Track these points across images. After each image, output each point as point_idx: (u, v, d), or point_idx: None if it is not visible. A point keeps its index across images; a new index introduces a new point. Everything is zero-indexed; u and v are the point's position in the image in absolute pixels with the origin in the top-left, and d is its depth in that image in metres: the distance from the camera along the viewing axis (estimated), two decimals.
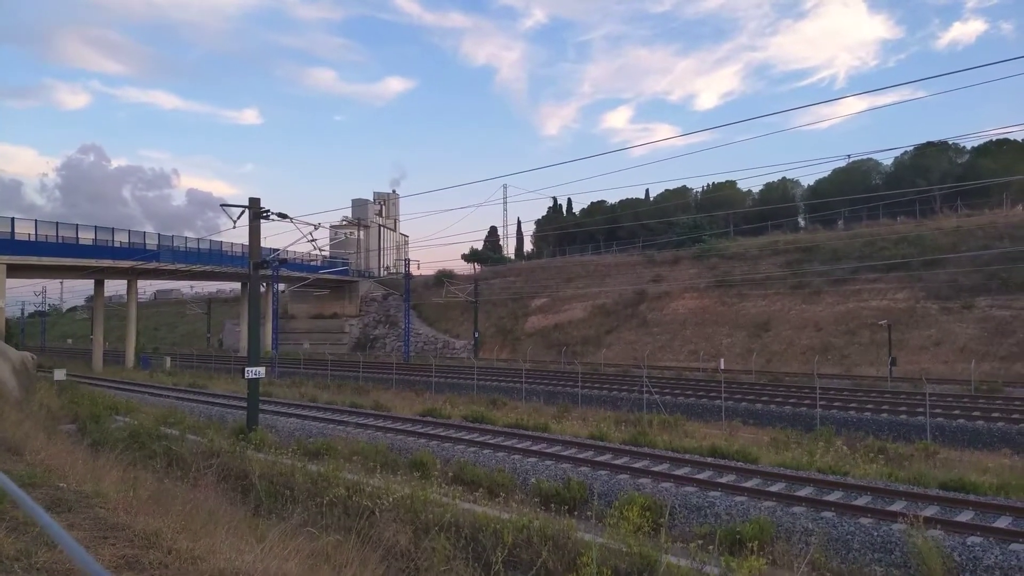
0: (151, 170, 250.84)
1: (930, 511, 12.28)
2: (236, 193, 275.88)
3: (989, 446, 20.93)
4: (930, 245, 45.36)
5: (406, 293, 62.82)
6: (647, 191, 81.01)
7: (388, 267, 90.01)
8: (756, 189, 71.17)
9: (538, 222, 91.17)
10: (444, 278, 69.20)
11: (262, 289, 50.16)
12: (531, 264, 75.47)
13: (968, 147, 59.02)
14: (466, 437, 20.59)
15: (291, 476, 12.93)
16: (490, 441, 19.90)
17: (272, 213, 21.75)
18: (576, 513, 13.21)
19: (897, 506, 12.70)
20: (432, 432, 21.67)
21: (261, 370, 21.46)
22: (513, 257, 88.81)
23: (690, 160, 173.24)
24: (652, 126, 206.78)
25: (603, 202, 79.21)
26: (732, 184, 69.22)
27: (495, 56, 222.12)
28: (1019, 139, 55.99)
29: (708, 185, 73.12)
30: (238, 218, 21.98)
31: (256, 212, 21.43)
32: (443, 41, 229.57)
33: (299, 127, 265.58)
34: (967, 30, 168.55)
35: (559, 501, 13.62)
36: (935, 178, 54.53)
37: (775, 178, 69.62)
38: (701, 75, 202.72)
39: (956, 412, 24.36)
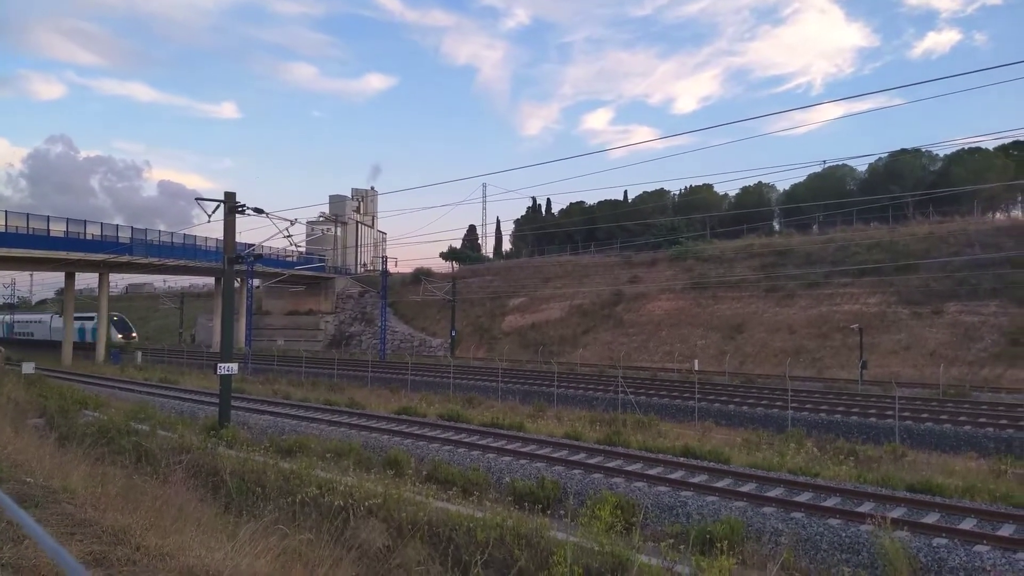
0: (122, 161, 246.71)
1: (897, 513, 12.49)
2: (212, 187, 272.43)
3: (956, 449, 21.32)
4: (902, 251, 46.11)
5: (383, 290, 62.50)
6: (625, 192, 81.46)
7: (365, 264, 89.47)
8: (732, 193, 71.84)
9: (517, 221, 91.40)
10: (422, 276, 68.93)
11: (236, 284, 49.59)
12: (509, 263, 75.49)
13: (941, 155, 60.14)
14: (441, 435, 20.56)
15: (263, 473, 12.81)
16: (465, 440, 19.90)
17: (248, 208, 21.55)
18: (550, 512, 13.25)
19: (865, 507, 12.90)
20: (407, 430, 21.61)
21: (234, 366, 21.24)
22: (492, 256, 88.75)
23: (668, 163, 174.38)
24: (631, 128, 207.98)
25: (582, 203, 79.47)
26: (709, 187, 69.82)
27: (477, 55, 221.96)
28: (990, 148, 57.12)
29: (686, 188, 73.69)
30: (213, 212, 21.75)
31: (231, 207, 21.21)
32: (425, 39, 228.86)
33: (277, 122, 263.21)
34: (941, 40, 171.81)
35: (533, 500, 13.65)
36: (908, 185, 55.43)
37: (751, 182, 70.41)
38: (681, 79, 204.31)
39: (924, 415, 24.80)
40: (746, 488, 14.40)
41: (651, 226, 66.55)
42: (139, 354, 57.56)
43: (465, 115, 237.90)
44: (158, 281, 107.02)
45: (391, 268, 67.65)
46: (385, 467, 16.09)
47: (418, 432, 21.23)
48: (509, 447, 18.74)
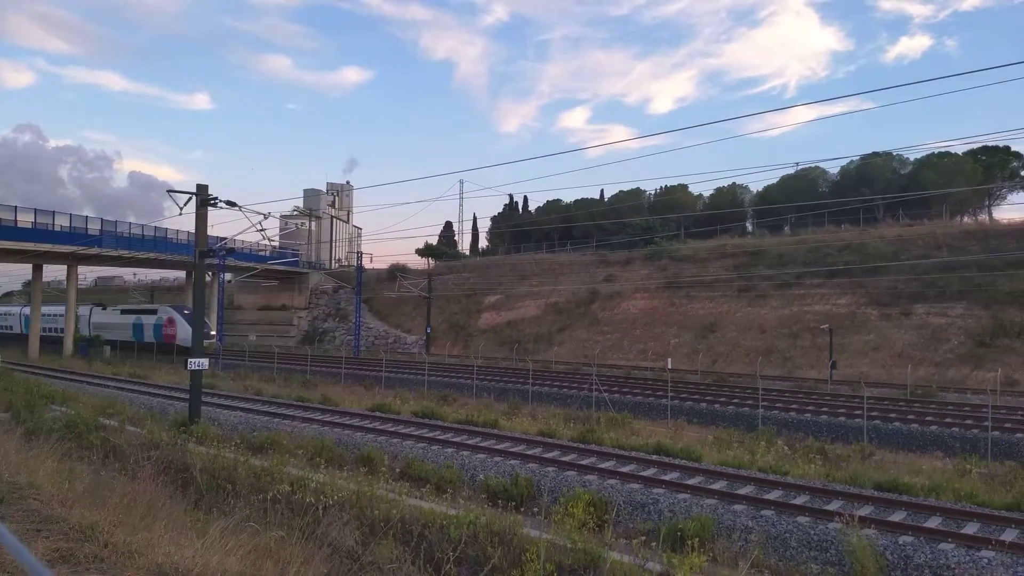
0: (92, 151, 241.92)
1: (865, 511, 12.69)
2: (184, 179, 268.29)
3: (922, 448, 21.72)
4: (872, 253, 46.91)
5: (358, 286, 62.10)
6: (602, 191, 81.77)
7: (340, 260, 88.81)
8: (707, 193, 72.51)
9: (494, 219, 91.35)
10: (397, 272, 68.61)
11: (208, 278, 48.97)
12: (486, 261, 75.45)
13: (911, 159, 61.19)
14: (415, 433, 20.53)
15: (234, 470, 12.69)
16: (439, 437, 19.87)
17: (220, 200, 21.29)
18: (523, 509, 13.29)
19: (834, 505, 13.11)
20: (381, 427, 21.53)
21: (204, 361, 21.00)
22: (468, 253, 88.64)
23: (644, 162, 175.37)
24: (608, 127, 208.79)
25: (559, 201, 79.72)
26: (684, 187, 70.38)
27: (455, 51, 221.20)
28: (959, 152, 58.26)
29: (661, 188, 74.23)
30: (185, 205, 21.45)
31: (203, 199, 20.94)
32: (403, 33, 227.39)
33: (251, 114, 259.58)
34: (913, 45, 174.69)
35: (506, 497, 13.67)
36: (879, 188, 56.40)
37: (725, 183, 71.03)
38: (658, 79, 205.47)
39: (892, 415, 25.26)
40: (717, 486, 14.57)
41: (627, 225, 66.93)
42: (107, 348, 56.61)
43: (443, 111, 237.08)
44: (128, 274, 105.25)
45: (366, 264, 67.25)
46: (358, 464, 16.03)
47: (392, 429, 21.16)
48: (483, 444, 18.77)
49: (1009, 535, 11.47)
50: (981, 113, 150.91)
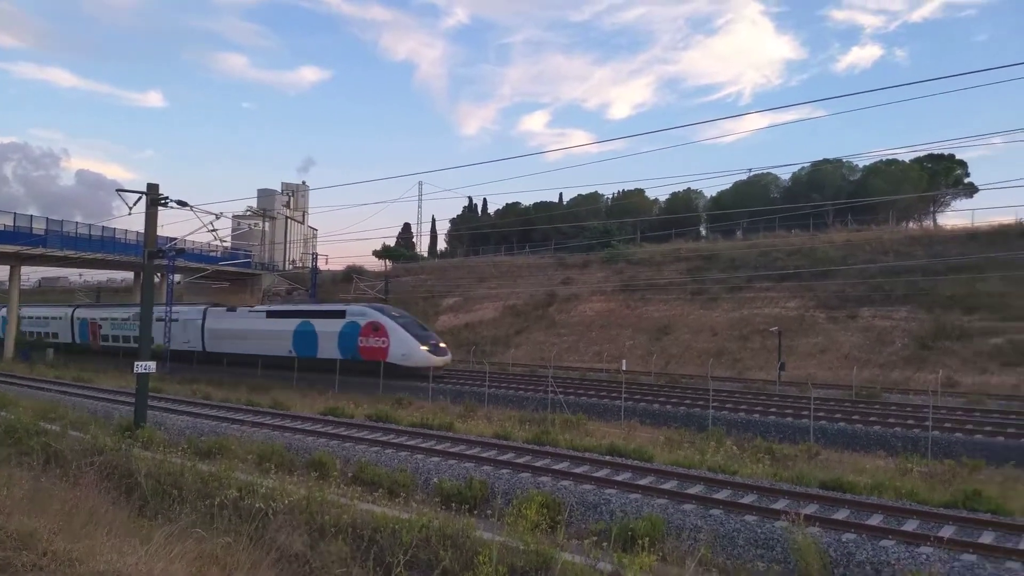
0: (38, 148, 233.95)
1: (810, 509, 13.00)
2: (134, 178, 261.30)
3: (866, 448, 22.31)
4: (821, 257, 48.19)
5: (312, 288, 61.36)
6: (560, 195, 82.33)
7: (294, 261, 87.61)
8: (663, 198, 73.64)
9: (453, 221, 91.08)
10: (353, 274, 67.96)
11: (157, 279, 47.74)
12: (444, 263, 75.26)
13: (860, 166, 63.08)
14: (368, 436, 20.36)
15: (180, 476, 12.42)
16: (393, 440, 19.76)
17: (171, 200, 20.84)
18: (477, 512, 13.30)
19: (780, 504, 13.41)
20: (333, 431, 21.31)
21: (151, 364, 20.51)
22: (426, 255, 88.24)
23: (603, 167, 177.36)
24: (568, 131, 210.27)
25: (518, 204, 79.91)
26: (641, 192, 71.30)
27: (416, 52, 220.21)
28: (906, 160, 60.23)
29: (618, 192, 75.13)
30: (134, 204, 20.96)
31: (154, 199, 20.47)
32: (363, 33, 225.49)
33: (205, 113, 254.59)
34: (864, 55, 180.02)
35: (460, 500, 13.67)
36: (829, 194, 58.02)
37: (681, 188, 72.23)
38: (616, 84, 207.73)
39: (838, 416, 25.93)
40: (667, 485, 14.80)
41: (585, 229, 67.54)
42: (50, 351, 54.73)
43: (403, 112, 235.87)
44: (73, 275, 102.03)
45: (321, 265, 66.55)
46: (309, 469, 15.85)
47: (344, 433, 20.95)
48: (438, 447, 18.72)
49: (947, 531, 11.88)
50: (928, 122, 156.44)
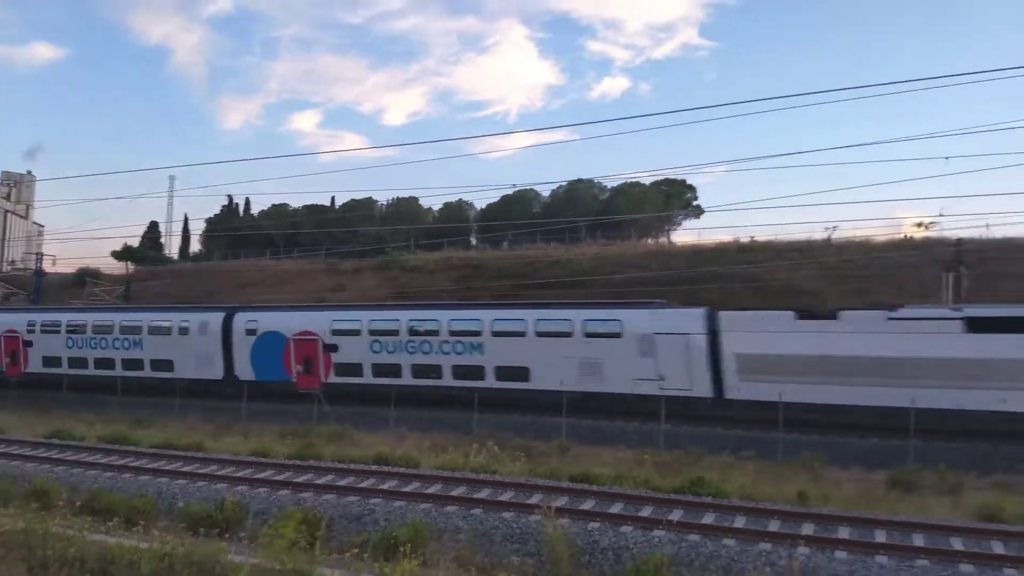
0: None
1: (561, 501, 13.86)
2: None
3: (609, 442, 24.31)
4: (575, 268, 52.12)
5: (34, 293, 53.56)
6: (333, 199, 79.95)
7: (14, 261, 76.18)
8: (436, 207, 74.88)
9: (209, 221, 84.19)
10: (87, 277, 60.26)
11: None
12: (199, 266, 69.55)
13: (609, 186, 69.44)
14: (102, 461, 18.32)
15: None
16: (132, 464, 17.92)
17: None
18: (229, 535, 12.46)
19: (535, 499, 14.11)
20: (59, 456, 18.89)
21: None
22: (177, 257, 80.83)
23: (377, 172, 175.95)
24: (341, 134, 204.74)
25: (286, 205, 76.19)
26: (415, 200, 71.97)
27: (171, 37, 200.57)
28: (647, 183, 67.42)
29: (393, 199, 75.13)
30: None
31: None
32: (109, 12, 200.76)
33: None
34: (615, 85, 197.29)
35: (210, 524, 12.65)
36: (582, 210, 63.01)
37: (454, 198, 73.92)
38: (391, 91, 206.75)
39: (586, 413, 28.00)
40: (432, 489, 15.03)
41: (358, 234, 66.47)
42: None
43: (154, 100, 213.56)
44: None
45: (48, 267, 58.38)
46: (29, 499, 13.80)
47: (73, 458, 18.62)
48: (185, 469, 17.29)
49: (676, 515, 13.34)
50: (665, 149, 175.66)
